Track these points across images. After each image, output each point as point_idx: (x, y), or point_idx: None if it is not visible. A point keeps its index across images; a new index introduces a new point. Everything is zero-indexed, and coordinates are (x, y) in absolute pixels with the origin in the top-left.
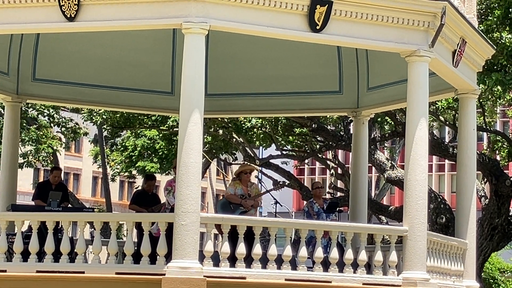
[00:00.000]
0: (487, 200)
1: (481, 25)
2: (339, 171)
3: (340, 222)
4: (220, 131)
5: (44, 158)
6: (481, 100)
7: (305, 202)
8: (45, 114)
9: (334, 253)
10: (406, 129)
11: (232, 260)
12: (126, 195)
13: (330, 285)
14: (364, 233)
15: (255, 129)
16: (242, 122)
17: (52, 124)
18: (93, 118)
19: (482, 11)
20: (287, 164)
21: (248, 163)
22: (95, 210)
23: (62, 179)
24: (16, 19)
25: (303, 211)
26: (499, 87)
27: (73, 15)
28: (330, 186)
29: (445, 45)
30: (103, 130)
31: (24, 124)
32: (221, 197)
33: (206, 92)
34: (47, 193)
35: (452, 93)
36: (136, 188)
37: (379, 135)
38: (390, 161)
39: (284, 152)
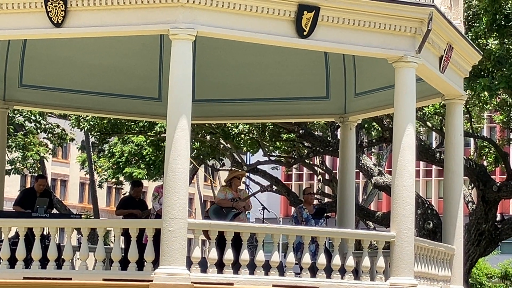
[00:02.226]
0: (474, 205)
1: (470, 32)
2: (327, 176)
3: (327, 228)
4: (208, 137)
5: (31, 165)
6: (468, 106)
7: (293, 208)
8: (32, 120)
9: (322, 259)
10: (393, 135)
11: (220, 266)
12: (113, 201)
13: None
14: (352, 239)
15: (242, 135)
16: (229, 128)
17: (38, 130)
18: (81, 124)
19: (469, 18)
20: (277, 169)
21: (237, 169)
22: (82, 216)
23: (49, 186)
24: (3, 25)
25: (292, 216)
26: (486, 93)
27: (60, 21)
28: (317, 192)
29: (432, 51)
30: (91, 136)
31: (12, 131)
32: (208, 203)
33: (193, 98)
34: (31, 200)
35: (439, 98)
36: (123, 194)
37: (366, 140)
38: (377, 167)
39: (271, 158)
